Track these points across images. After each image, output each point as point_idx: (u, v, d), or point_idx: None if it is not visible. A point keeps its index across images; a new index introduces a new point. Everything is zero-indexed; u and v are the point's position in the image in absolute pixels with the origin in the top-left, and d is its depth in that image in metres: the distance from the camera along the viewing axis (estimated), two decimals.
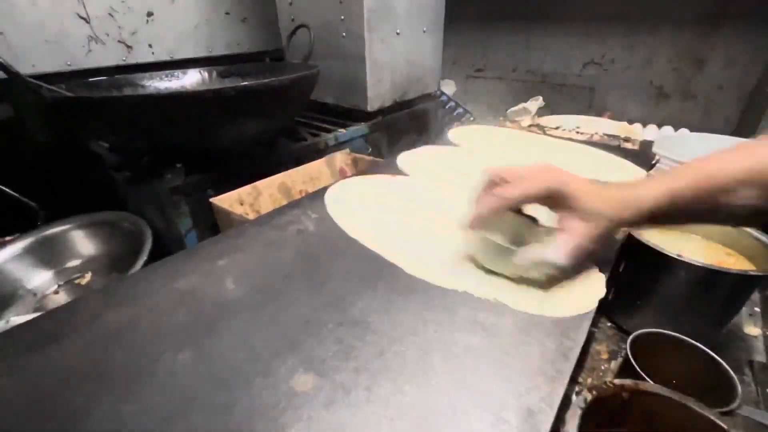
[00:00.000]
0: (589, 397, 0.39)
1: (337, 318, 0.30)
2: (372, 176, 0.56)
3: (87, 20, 0.91)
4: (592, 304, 0.32)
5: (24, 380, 0.25)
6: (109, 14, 0.95)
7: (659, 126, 1.11)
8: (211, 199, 0.64)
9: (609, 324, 0.69)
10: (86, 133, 0.70)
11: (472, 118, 1.20)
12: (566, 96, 1.41)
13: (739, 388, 0.47)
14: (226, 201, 0.67)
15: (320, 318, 0.30)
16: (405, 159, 0.61)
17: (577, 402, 0.38)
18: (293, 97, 0.70)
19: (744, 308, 0.73)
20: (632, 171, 0.63)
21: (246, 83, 0.57)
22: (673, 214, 0.32)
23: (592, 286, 0.34)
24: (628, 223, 0.33)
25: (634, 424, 0.45)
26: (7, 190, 0.67)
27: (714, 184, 0.29)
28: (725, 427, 0.40)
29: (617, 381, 0.44)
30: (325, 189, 0.51)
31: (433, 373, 0.25)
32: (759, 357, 0.63)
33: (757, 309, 0.73)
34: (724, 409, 0.44)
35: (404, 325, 0.29)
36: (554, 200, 0.32)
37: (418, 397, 0.24)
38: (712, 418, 0.42)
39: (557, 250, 0.31)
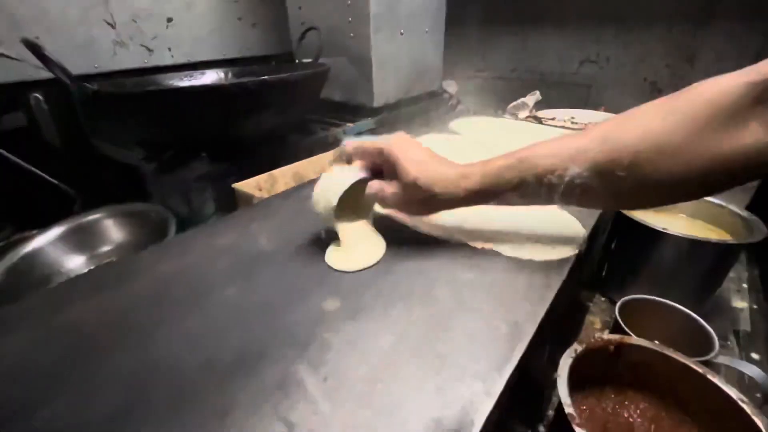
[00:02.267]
0: (580, 348, 0.44)
1: None
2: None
3: (113, 26, 0.98)
4: (574, 250, 0.37)
5: (101, 309, 0.31)
6: (133, 20, 1.02)
7: None
8: (233, 185, 0.70)
9: (603, 299, 0.74)
10: (122, 128, 0.76)
11: (471, 113, 1.25)
12: (563, 93, 1.46)
13: (717, 341, 0.52)
14: (246, 186, 0.73)
15: None
16: None
17: (569, 353, 0.43)
18: (306, 92, 0.76)
19: (732, 285, 0.79)
20: None
21: (265, 77, 0.63)
22: (499, 197, 0.34)
23: (575, 232, 0.39)
24: (451, 200, 0.35)
25: (622, 376, 0.50)
26: (47, 177, 0.73)
27: (538, 165, 0.32)
28: (701, 371, 0.46)
29: (605, 336, 0.50)
30: None
31: (437, 298, 0.31)
32: (744, 326, 0.68)
33: (744, 285, 0.78)
34: (702, 359, 0.50)
35: (413, 267, 0.35)
36: (387, 163, 0.36)
37: (426, 313, 0.29)
38: (690, 364, 0.47)
39: (374, 183, 0.36)
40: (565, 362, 0.41)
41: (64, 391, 0.24)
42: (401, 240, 0.39)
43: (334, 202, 0.35)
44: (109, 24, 0.98)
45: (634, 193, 0.32)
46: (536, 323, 0.28)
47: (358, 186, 0.36)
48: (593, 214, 0.44)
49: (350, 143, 0.38)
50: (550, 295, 0.31)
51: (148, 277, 0.35)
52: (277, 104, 0.70)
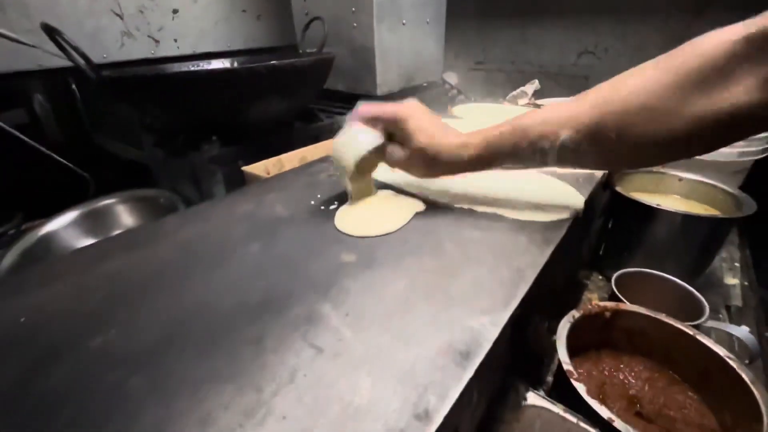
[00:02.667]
0: (577, 314, 0.47)
1: None
2: None
3: (121, 17, 1.00)
4: (573, 211, 0.39)
5: (135, 264, 0.34)
6: (140, 11, 1.04)
7: None
8: (243, 167, 0.72)
9: (600, 276, 0.77)
10: (136, 115, 0.78)
11: (474, 99, 1.28)
12: (562, 85, 1.49)
13: (707, 306, 0.55)
14: (255, 169, 0.76)
15: None
16: None
17: (567, 318, 0.46)
18: (312, 78, 0.78)
19: (725, 264, 0.81)
20: None
21: (274, 62, 0.65)
22: (496, 161, 0.37)
23: (573, 200, 0.42)
24: (455, 165, 0.38)
25: (617, 341, 0.53)
26: (62, 160, 0.75)
27: (533, 130, 0.34)
28: (691, 333, 0.49)
29: (601, 303, 0.52)
30: None
31: (445, 252, 0.33)
32: (736, 302, 0.71)
33: (736, 264, 0.81)
34: (694, 323, 0.52)
35: (422, 227, 0.38)
36: (396, 127, 0.38)
37: (435, 264, 0.32)
38: (681, 327, 0.50)
39: (375, 136, 0.39)
40: (564, 326, 0.44)
41: (113, 325, 0.26)
42: None
43: (352, 164, 0.38)
44: (117, 14, 1.00)
45: (624, 154, 0.33)
46: (537, 269, 0.31)
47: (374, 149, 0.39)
48: (590, 183, 0.46)
49: (365, 107, 0.40)
50: (551, 248, 0.33)
51: (173, 239, 0.37)
52: (284, 89, 0.72)
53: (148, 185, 0.93)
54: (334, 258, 0.33)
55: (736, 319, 0.70)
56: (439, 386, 0.21)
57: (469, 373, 0.22)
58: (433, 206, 0.42)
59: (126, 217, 0.87)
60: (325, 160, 0.56)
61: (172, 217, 0.41)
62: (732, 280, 0.77)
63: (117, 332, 0.26)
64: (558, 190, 0.44)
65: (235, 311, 0.28)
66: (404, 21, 1.01)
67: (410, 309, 0.27)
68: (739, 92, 0.27)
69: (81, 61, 0.67)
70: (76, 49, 0.59)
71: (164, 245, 0.36)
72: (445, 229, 0.37)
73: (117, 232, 0.87)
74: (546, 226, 0.37)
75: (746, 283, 0.76)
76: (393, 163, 0.40)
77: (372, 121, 0.39)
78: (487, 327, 0.25)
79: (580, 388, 0.40)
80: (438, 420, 0.19)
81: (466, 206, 0.41)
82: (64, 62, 0.87)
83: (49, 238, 0.80)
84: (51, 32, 0.59)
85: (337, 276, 0.31)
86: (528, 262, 0.31)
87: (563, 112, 0.34)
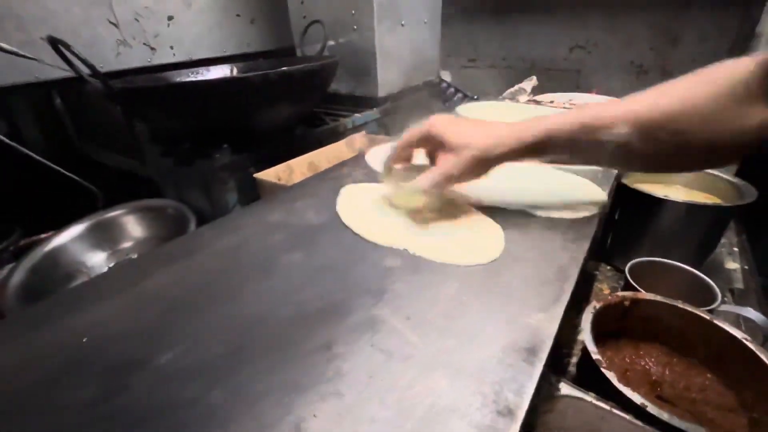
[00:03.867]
0: (598, 306, 0.49)
1: None
2: None
3: (116, 25, 0.99)
4: (599, 207, 0.41)
5: (179, 277, 0.34)
6: (135, 19, 1.03)
7: None
8: (255, 175, 0.72)
9: (608, 267, 0.80)
10: (143, 122, 0.77)
11: (476, 97, 1.30)
12: (554, 79, 1.52)
13: (719, 292, 0.57)
14: (267, 176, 0.76)
15: None
16: None
17: (589, 309, 0.48)
18: (319, 82, 0.78)
19: (724, 249, 0.84)
20: None
21: (285, 68, 0.65)
22: (551, 150, 0.36)
23: (597, 196, 0.43)
24: (503, 155, 0.37)
25: (635, 329, 0.55)
26: (70, 174, 0.74)
27: (591, 122, 0.34)
28: (708, 318, 0.51)
29: (619, 293, 0.54)
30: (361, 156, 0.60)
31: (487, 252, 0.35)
32: (738, 285, 0.74)
33: (735, 249, 0.84)
34: (708, 308, 0.55)
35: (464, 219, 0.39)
36: (433, 144, 0.39)
37: (480, 265, 0.33)
38: (698, 313, 0.52)
39: (422, 179, 0.37)
40: (587, 317, 0.45)
41: (177, 340, 0.27)
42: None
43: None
44: (112, 23, 0.98)
45: (673, 155, 0.34)
46: (578, 265, 0.32)
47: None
48: (608, 179, 0.48)
49: (392, 149, 0.41)
50: (586, 244, 0.35)
51: (213, 250, 0.38)
52: (294, 95, 0.73)
53: (143, 195, 0.92)
54: (378, 263, 0.34)
55: (739, 301, 0.72)
56: (514, 383, 0.22)
57: (539, 369, 0.23)
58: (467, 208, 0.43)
59: (134, 228, 0.86)
60: (345, 164, 0.57)
61: (206, 228, 0.42)
62: (732, 265, 0.80)
63: (183, 347, 0.26)
64: (580, 187, 0.46)
65: (295, 320, 0.28)
66: (403, 22, 1.02)
67: (466, 310, 0.28)
68: (759, 113, 0.30)
69: (86, 72, 0.66)
70: (84, 61, 0.59)
71: (205, 257, 0.36)
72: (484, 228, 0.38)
73: (126, 244, 0.87)
74: (575, 222, 0.39)
75: (746, 267, 0.79)
76: (439, 177, 0.38)
77: (407, 150, 0.40)
78: (544, 323, 0.26)
79: (611, 376, 0.41)
80: (521, 415, 0.20)
81: (497, 204, 0.42)
82: (60, 74, 0.86)
83: (56, 252, 0.79)
84: (57, 44, 0.58)
85: (386, 281, 0.32)
86: (568, 259, 0.33)
87: (619, 108, 0.34)
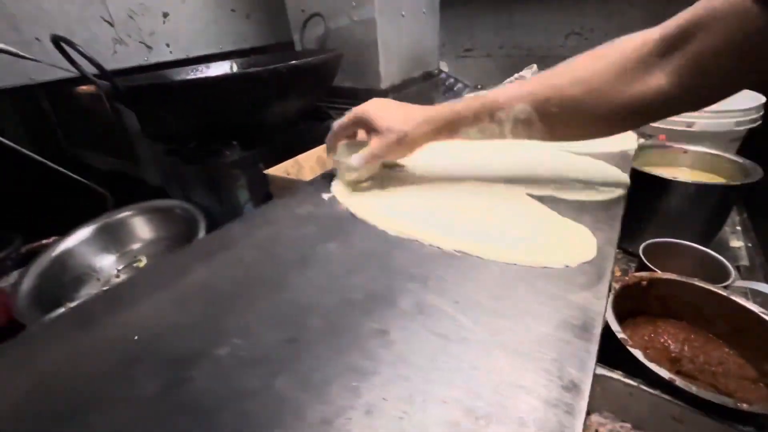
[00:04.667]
0: (617, 286, 0.50)
1: None
2: None
3: (111, 23, 0.97)
4: (623, 188, 0.42)
5: (221, 269, 0.34)
6: (130, 16, 1.00)
7: None
8: (265, 171, 0.72)
9: (618, 250, 0.81)
10: (150, 121, 0.75)
11: (480, 87, 1.30)
12: (551, 66, 1.52)
13: (732, 269, 0.59)
14: (277, 171, 0.75)
15: None
16: None
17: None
18: (326, 75, 0.78)
19: (728, 228, 0.86)
20: None
21: (294, 62, 0.65)
22: (461, 128, 0.42)
23: (619, 178, 0.44)
24: (421, 137, 0.43)
25: (651, 308, 0.56)
26: (79, 178, 0.73)
27: (490, 104, 0.40)
28: (725, 293, 0.52)
29: (636, 273, 0.55)
30: None
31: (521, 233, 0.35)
32: (743, 262, 0.76)
33: (738, 228, 0.86)
34: (723, 284, 0.56)
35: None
36: (365, 127, 0.46)
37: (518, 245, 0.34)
38: (715, 289, 0.53)
39: (355, 157, 0.44)
40: (608, 301, 0.46)
41: (230, 331, 0.27)
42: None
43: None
44: (107, 21, 0.96)
45: (566, 126, 0.39)
46: (614, 245, 0.33)
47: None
48: (626, 161, 0.49)
49: (335, 126, 0.47)
50: (617, 224, 0.35)
51: (248, 243, 0.38)
52: (301, 89, 0.72)
53: (136, 197, 0.90)
54: (417, 250, 0.34)
55: (746, 277, 0.74)
56: (574, 359, 0.23)
57: (595, 345, 0.24)
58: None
59: (142, 229, 0.86)
60: None
61: (235, 224, 0.41)
62: (737, 243, 0.82)
63: (238, 338, 0.26)
64: (601, 170, 0.47)
65: (343, 307, 0.28)
66: (403, 12, 1.02)
67: (512, 291, 0.29)
68: (659, 78, 0.33)
69: (91, 72, 0.65)
70: (90, 59, 0.58)
71: (242, 250, 0.36)
72: (514, 212, 0.39)
73: (134, 245, 0.86)
74: (602, 204, 0.40)
75: (750, 245, 0.81)
76: (372, 154, 0.44)
77: (345, 131, 0.47)
78: (592, 301, 0.27)
79: (638, 353, 0.42)
80: (586, 389, 0.21)
81: (523, 189, 0.43)
82: (57, 76, 0.84)
83: (65, 256, 0.78)
84: (61, 42, 0.57)
85: (427, 266, 0.32)
86: (604, 239, 0.34)
87: (518, 90, 0.39)
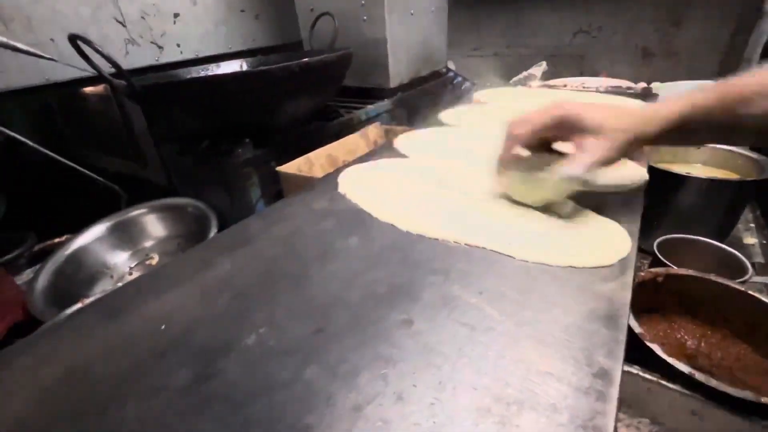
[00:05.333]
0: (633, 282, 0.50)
1: None
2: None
3: (123, 24, 0.98)
4: (642, 182, 0.42)
5: (244, 264, 0.34)
6: (141, 17, 1.02)
7: (648, 83, 1.23)
8: (278, 168, 0.72)
9: None
10: (164, 120, 0.76)
11: (489, 84, 1.30)
12: (558, 65, 1.51)
13: (749, 264, 0.58)
14: (290, 169, 0.76)
15: None
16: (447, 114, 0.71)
17: None
18: (337, 74, 0.78)
19: (741, 225, 0.86)
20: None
21: (307, 59, 0.65)
22: (696, 127, 0.34)
23: (638, 172, 0.44)
24: (649, 137, 0.35)
25: (666, 304, 0.56)
26: (94, 176, 0.74)
27: (733, 95, 0.32)
28: (743, 289, 0.51)
29: (652, 270, 0.55)
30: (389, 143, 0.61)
31: (542, 223, 0.35)
32: (758, 259, 0.75)
33: (752, 225, 0.85)
34: (740, 280, 0.55)
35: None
36: (567, 129, 0.35)
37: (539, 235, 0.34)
38: (732, 285, 0.53)
39: (574, 164, 0.34)
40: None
41: (257, 323, 0.27)
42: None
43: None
44: (119, 22, 0.97)
45: None
46: (635, 236, 0.33)
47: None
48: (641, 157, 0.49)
49: (518, 127, 0.37)
50: (638, 215, 0.35)
51: (268, 238, 0.38)
52: (313, 87, 0.73)
53: (144, 197, 0.90)
54: (436, 243, 0.34)
55: (761, 273, 0.74)
56: (602, 348, 0.23)
57: (623, 334, 0.24)
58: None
59: (154, 227, 0.86)
60: (373, 153, 0.57)
61: (252, 219, 0.42)
62: (750, 240, 0.81)
63: (265, 330, 0.26)
64: (624, 168, 0.47)
65: (368, 300, 0.29)
66: (412, 11, 1.02)
67: (535, 283, 0.29)
68: None
69: (107, 70, 0.65)
70: (107, 57, 0.58)
71: (262, 244, 0.37)
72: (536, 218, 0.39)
73: (147, 243, 0.87)
74: (621, 197, 0.40)
75: (764, 242, 0.80)
76: (604, 155, 0.34)
77: (545, 133, 0.37)
78: (618, 292, 0.27)
79: (657, 348, 0.42)
80: (617, 377, 0.21)
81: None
82: (72, 75, 0.85)
83: (79, 254, 0.79)
84: (79, 41, 0.58)
85: (448, 259, 0.32)
86: (627, 231, 0.34)
87: (754, 81, 0.32)
